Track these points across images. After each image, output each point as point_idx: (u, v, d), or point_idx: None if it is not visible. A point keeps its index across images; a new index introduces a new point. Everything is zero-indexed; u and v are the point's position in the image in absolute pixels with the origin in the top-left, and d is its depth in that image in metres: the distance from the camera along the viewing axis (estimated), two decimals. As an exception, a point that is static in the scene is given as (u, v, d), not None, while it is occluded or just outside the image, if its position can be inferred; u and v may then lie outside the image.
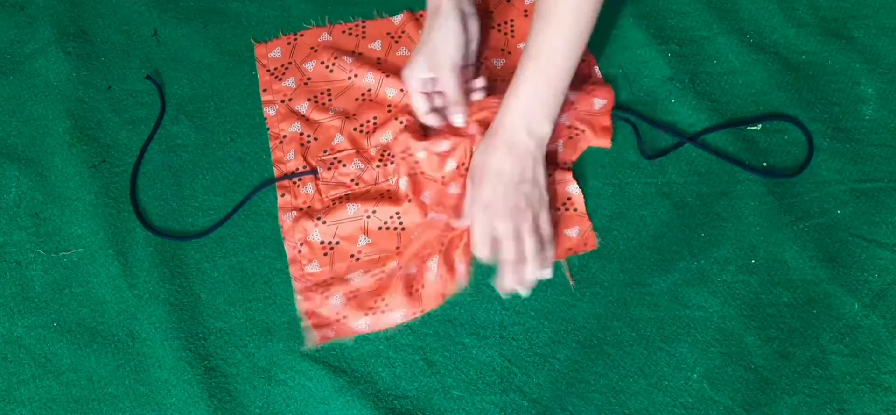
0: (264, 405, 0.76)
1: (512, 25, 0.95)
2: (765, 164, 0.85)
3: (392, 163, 0.86)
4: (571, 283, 0.79)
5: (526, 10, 0.96)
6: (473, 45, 0.88)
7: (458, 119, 0.84)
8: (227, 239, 0.84)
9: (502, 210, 0.76)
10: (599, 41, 0.94)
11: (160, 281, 0.82)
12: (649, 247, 0.82)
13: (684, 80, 0.91)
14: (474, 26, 0.87)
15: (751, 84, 0.90)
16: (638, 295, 0.79)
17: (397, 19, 0.96)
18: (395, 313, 0.78)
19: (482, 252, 0.78)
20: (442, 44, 0.83)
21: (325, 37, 0.96)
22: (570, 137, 0.86)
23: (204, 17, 0.99)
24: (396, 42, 0.95)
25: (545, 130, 0.79)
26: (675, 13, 0.96)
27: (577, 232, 0.82)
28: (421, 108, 0.85)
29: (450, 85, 0.84)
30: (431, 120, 0.86)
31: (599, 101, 0.88)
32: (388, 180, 0.85)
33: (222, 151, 0.90)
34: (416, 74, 0.84)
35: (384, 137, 0.87)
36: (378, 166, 0.86)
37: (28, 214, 0.86)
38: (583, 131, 0.87)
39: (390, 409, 0.75)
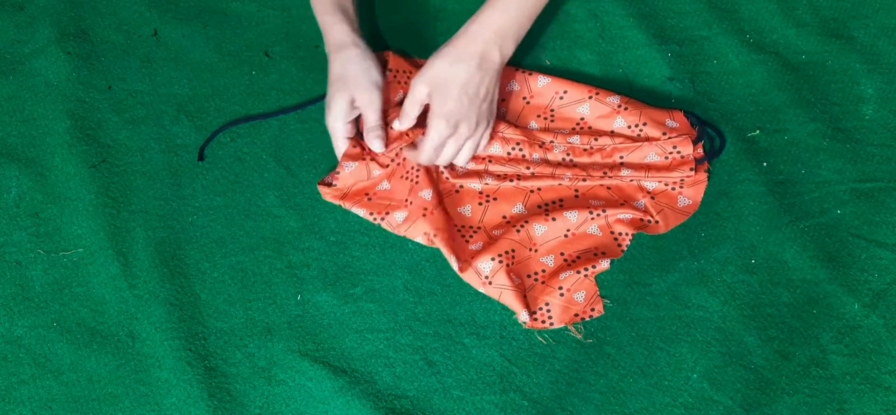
0: (264, 405, 0.76)
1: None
2: (766, 164, 0.85)
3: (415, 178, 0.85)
4: (580, 336, 0.78)
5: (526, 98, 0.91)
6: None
7: (376, 145, 0.83)
8: (227, 239, 0.84)
9: (463, 125, 0.80)
10: (600, 41, 0.94)
11: (160, 281, 0.82)
12: (649, 247, 0.82)
13: (684, 80, 0.91)
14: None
15: (751, 84, 0.90)
16: (638, 295, 0.79)
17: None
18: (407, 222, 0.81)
19: (426, 158, 0.81)
20: (361, 73, 0.83)
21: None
22: (641, 219, 0.82)
23: (204, 18, 0.99)
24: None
25: (510, 50, 0.81)
26: (675, 13, 0.96)
27: (584, 297, 0.79)
28: (342, 150, 0.85)
29: (371, 111, 0.83)
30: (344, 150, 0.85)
31: (685, 201, 0.83)
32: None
33: (222, 150, 0.90)
34: (343, 118, 0.84)
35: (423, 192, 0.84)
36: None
37: (28, 214, 0.86)
38: (656, 223, 0.82)
39: (390, 409, 0.75)
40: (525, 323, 0.78)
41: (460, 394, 0.76)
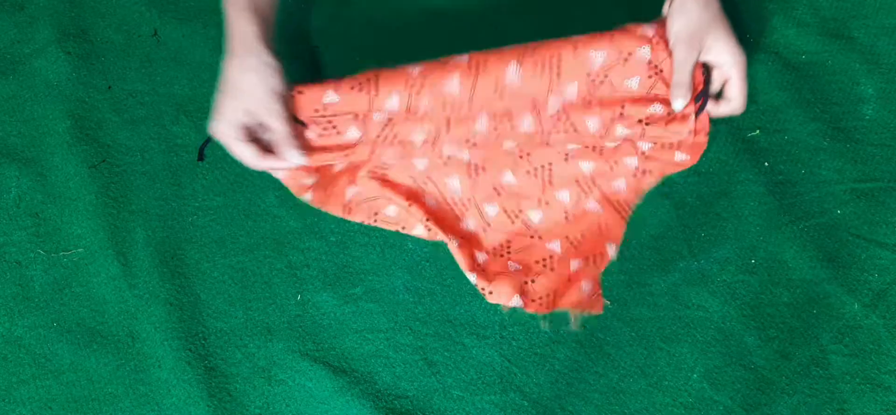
0: (264, 405, 0.76)
1: (558, 60, 0.78)
2: (766, 164, 0.85)
3: (393, 138, 0.78)
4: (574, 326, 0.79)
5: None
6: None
7: (295, 157, 0.77)
8: (227, 239, 0.84)
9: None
10: (599, 41, 0.94)
11: (160, 281, 0.82)
12: (649, 247, 0.82)
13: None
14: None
15: (751, 84, 0.90)
16: (638, 295, 0.79)
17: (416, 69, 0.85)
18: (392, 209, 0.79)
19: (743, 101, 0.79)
20: (257, 84, 0.76)
21: (331, 97, 0.78)
22: (634, 176, 0.79)
23: (204, 18, 0.99)
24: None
25: None
26: None
27: (590, 288, 0.77)
28: (250, 158, 0.76)
29: (275, 118, 0.75)
30: (267, 163, 0.78)
31: (682, 155, 0.80)
32: (385, 166, 0.80)
33: (222, 150, 0.90)
34: (233, 124, 0.75)
35: (389, 101, 0.76)
36: (379, 137, 0.77)
37: (28, 214, 0.86)
38: (650, 171, 0.80)
39: (390, 409, 0.75)
40: (516, 306, 0.77)
41: (460, 394, 0.76)
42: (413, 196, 0.80)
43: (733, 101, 0.79)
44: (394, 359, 0.78)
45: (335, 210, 0.80)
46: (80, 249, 0.84)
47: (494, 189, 0.81)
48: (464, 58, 0.76)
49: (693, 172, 0.85)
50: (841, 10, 0.94)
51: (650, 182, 0.81)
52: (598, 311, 0.78)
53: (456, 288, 0.81)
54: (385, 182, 0.80)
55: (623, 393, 0.75)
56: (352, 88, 0.76)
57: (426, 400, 0.76)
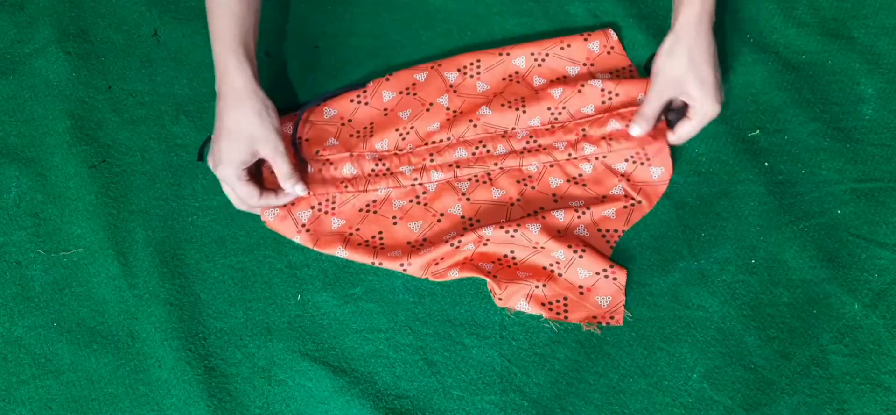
0: (264, 405, 0.76)
1: (522, 100, 0.89)
2: (766, 164, 0.85)
3: (385, 170, 0.85)
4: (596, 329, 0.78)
5: (537, 91, 0.90)
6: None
7: (299, 189, 0.81)
8: (227, 239, 0.84)
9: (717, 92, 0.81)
10: (599, 41, 0.94)
11: (160, 281, 0.82)
12: (649, 247, 0.82)
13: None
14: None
15: (751, 84, 0.90)
16: (638, 295, 0.79)
17: (421, 75, 0.92)
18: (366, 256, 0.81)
19: (683, 140, 0.84)
20: (260, 126, 0.78)
21: (329, 111, 0.90)
22: (625, 207, 0.82)
23: (204, 18, 0.98)
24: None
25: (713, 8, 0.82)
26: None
27: (609, 303, 0.78)
28: (250, 197, 0.80)
29: (280, 160, 0.79)
30: (264, 201, 0.81)
31: (658, 170, 0.84)
32: (376, 190, 0.84)
33: (222, 151, 0.90)
34: (238, 166, 0.78)
35: (380, 144, 0.87)
36: (372, 171, 0.85)
37: (28, 214, 0.86)
38: (639, 202, 0.82)
39: (390, 409, 0.75)
40: (523, 310, 0.78)
41: (460, 394, 0.76)
42: (407, 251, 0.81)
43: (675, 136, 0.84)
44: (394, 359, 0.78)
45: (331, 249, 0.82)
46: (80, 249, 0.84)
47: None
48: (444, 99, 0.89)
49: (693, 172, 0.85)
50: (841, 10, 0.94)
51: (641, 211, 0.83)
52: (617, 323, 0.78)
53: (456, 288, 0.81)
54: (378, 251, 0.81)
55: (623, 393, 0.75)
56: (350, 137, 0.87)
57: (426, 400, 0.76)
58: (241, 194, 0.80)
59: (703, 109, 0.81)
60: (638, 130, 0.83)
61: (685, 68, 0.80)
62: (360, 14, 0.98)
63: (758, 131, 0.87)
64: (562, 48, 0.91)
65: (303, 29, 0.98)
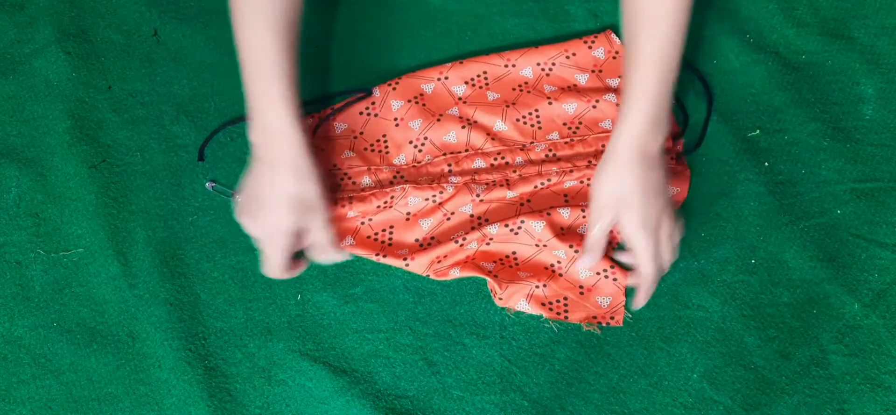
0: (264, 405, 0.76)
1: (537, 116, 0.89)
2: (766, 164, 0.85)
3: (403, 182, 0.84)
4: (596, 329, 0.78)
5: (549, 98, 0.89)
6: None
7: (340, 256, 0.80)
8: (227, 239, 0.84)
9: (664, 229, 0.74)
10: (599, 41, 0.94)
11: (160, 281, 0.82)
12: (649, 247, 0.82)
13: (684, 81, 0.91)
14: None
15: (751, 84, 0.90)
16: (638, 295, 0.79)
17: (429, 87, 0.92)
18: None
19: (647, 292, 0.76)
20: (317, 193, 0.76)
21: (340, 126, 0.90)
22: None
23: (204, 18, 0.99)
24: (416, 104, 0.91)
25: (664, 132, 0.75)
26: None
27: (609, 303, 0.78)
28: (280, 268, 0.77)
29: (323, 226, 0.77)
30: (291, 273, 0.79)
31: (672, 189, 0.82)
32: (395, 191, 0.83)
33: (222, 150, 0.90)
34: (291, 232, 0.75)
35: (398, 159, 0.86)
36: (391, 182, 0.84)
37: (28, 214, 0.86)
38: None
39: (390, 409, 0.75)
40: (523, 310, 0.78)
41: (460, 394, 0.76)
42: (414, 249, 0.81)
43: (642, 278, 0.76)
44: (394, 359, 0.78)
45: (340, 239, 0.82)
46: (80, 249, 0.84)
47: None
48: (454, 111, 0.88)
49: (693, 171, 0.85)
50: (841, 10, 0.94)
51: None
52: (617, 323, 0.78)
53: (456, 288, 0.81)
54: (384, 247, 0.81)
55: (623, 393, 0.75)
56: (365, 150, 0.87)
57: (426, 400, 0.76)
58: (276, 260, 0.77)
59: (634, 242, 0.74)
60: (588, 261, 0.78)
61: (611, 192, 0.74)
62: (361, 14, 0.98)
63: (758, 131, 0.87)
64: (567, 57, 0.91)
65: (303, 29, 0.98)
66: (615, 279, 0.78)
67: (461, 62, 0.91)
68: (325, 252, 0.79)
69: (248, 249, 0.83)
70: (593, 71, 0.90)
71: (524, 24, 0.96)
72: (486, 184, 0.83)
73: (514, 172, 0.84)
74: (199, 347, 0.79)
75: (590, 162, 0.83)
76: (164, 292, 0.81)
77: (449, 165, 0.85)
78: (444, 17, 0.98)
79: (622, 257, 0.79)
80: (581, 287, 0.79)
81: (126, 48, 0.97)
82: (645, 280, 0.75)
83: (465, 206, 0.83)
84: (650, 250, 0.73)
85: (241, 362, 0.78)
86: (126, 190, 0.87)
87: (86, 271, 0.83)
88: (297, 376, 0.77)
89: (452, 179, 0.84)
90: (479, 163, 0.85)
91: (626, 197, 0.73)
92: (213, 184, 0.86)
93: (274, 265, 0.77)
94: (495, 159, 0.85)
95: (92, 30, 0.99)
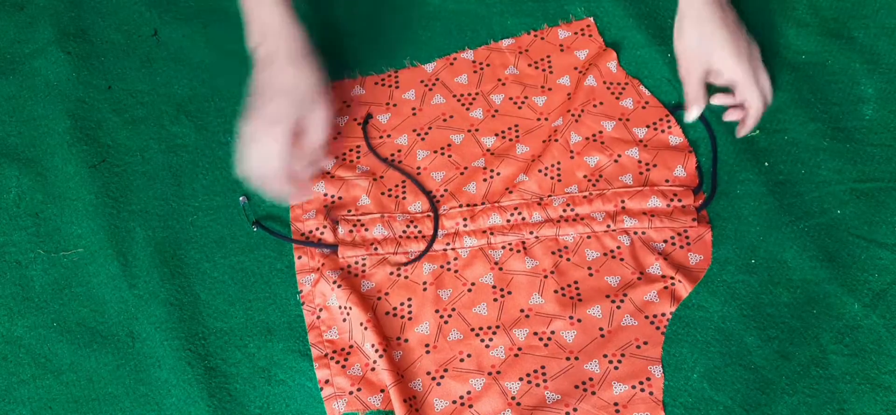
0: (264, 405, 0.76)
1: (549, 62, 0.92)
2: (766, 164, 0.85)
3: (417, 233, 0.82)
4: None
5: (561, 45, 0.92)
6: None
7: (326, 163, 0.80)
8: (227, 239, 0.84)
9: (755, 55, 0.81)
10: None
11: (160, 281, 0.82)
12: (649, 247, 0.82)
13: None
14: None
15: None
16: (638, 295, 0.79)
17: (430, 67, 0.93)
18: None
19: (754, 99, 0.81)
20: (316, 84, 0.76)
21: (357, 90, 0.92)
22: (665, 287, 0.78)
23: (204, 18, 0.99)
24: (430, 90, 0.92)
25: None
26: (675, 13, 0.96)
27: None
28: (286, 160, 0.76)
29: (321, 124, 0.76)
30: (300, 193, 0.79)
31: (696, 257, 0.80)
32: (407, 253, 0.81)
33: (222, 150, 0.90)
34: (293, 119, 0.75)
35: (413, 206, 0.84)
36: (403, 234, 0.82)
37: (28, 214, 0.87)
38: (680, 281, 0.78)
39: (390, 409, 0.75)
40: None
41: (460, 394, 0.76)
42: (434, 340, 0.78)
43: (750, 109, 0.81)
44: (394, 359, 0.78)
45: (360, 311, 0.78)
46: (80, 249, 0.84)
47: (522, 311, 0.78)
48: (480, 163, 0.87)
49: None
50: (841, 10, 0.94)
51: (681, 294, 0.78)
52: None
53: (456, 288, 0.81)
54: (404, 328, 0.78)
55: (623, 393, 0.75)
56: (382, 195, 0.85)
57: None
58: (282, 152, 0.75)
59: (735, 74, 0.79)
60: (693, 114, 0.83)
61: (697, 41, 0.80)
62: (361, 14, 0.98)
63: (758, 131, 0.87)
64: (595, 106, 0.89)
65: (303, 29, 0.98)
66: (652, 393, 0.74)
67: (492, 115, 0.90)
68: (317, 158, 0.78)
69: (248, 249, 0.83)
70: (620, 119, 0.88)
71: (524, 24, 0.96)
72: (503, 247, 0.81)
73: (531, 232, 0.81)
74: (199, 347, 0.79)
75: (608, 226, 0.81)
76: (164, 292, 0.81)
77: (465, 219, 0.83)
78: (444, 17, 0.98)
79: (720, 99, 0.82)
80: (617, 405, 0.73)
81: (126, 48, 0.97)
82: (754, 110, 0.80)
83: (485, 275, 0.80)
84: (751, 77, 0.78)
85: (241, 362, 0.78)
86: (126, 190, 0.87)
87: (86, 271, 0.83)
88: (297, 376, 0.77)
89: (467, 240, 0.81)
90: (495, 218, 0.82)
91: (712, 38, 0.78)
92: (246, 199, 0.85)
93: (272, 156, 0.75)
94: (512, 215, 0.82)
95: (92, 30, 0.99)
